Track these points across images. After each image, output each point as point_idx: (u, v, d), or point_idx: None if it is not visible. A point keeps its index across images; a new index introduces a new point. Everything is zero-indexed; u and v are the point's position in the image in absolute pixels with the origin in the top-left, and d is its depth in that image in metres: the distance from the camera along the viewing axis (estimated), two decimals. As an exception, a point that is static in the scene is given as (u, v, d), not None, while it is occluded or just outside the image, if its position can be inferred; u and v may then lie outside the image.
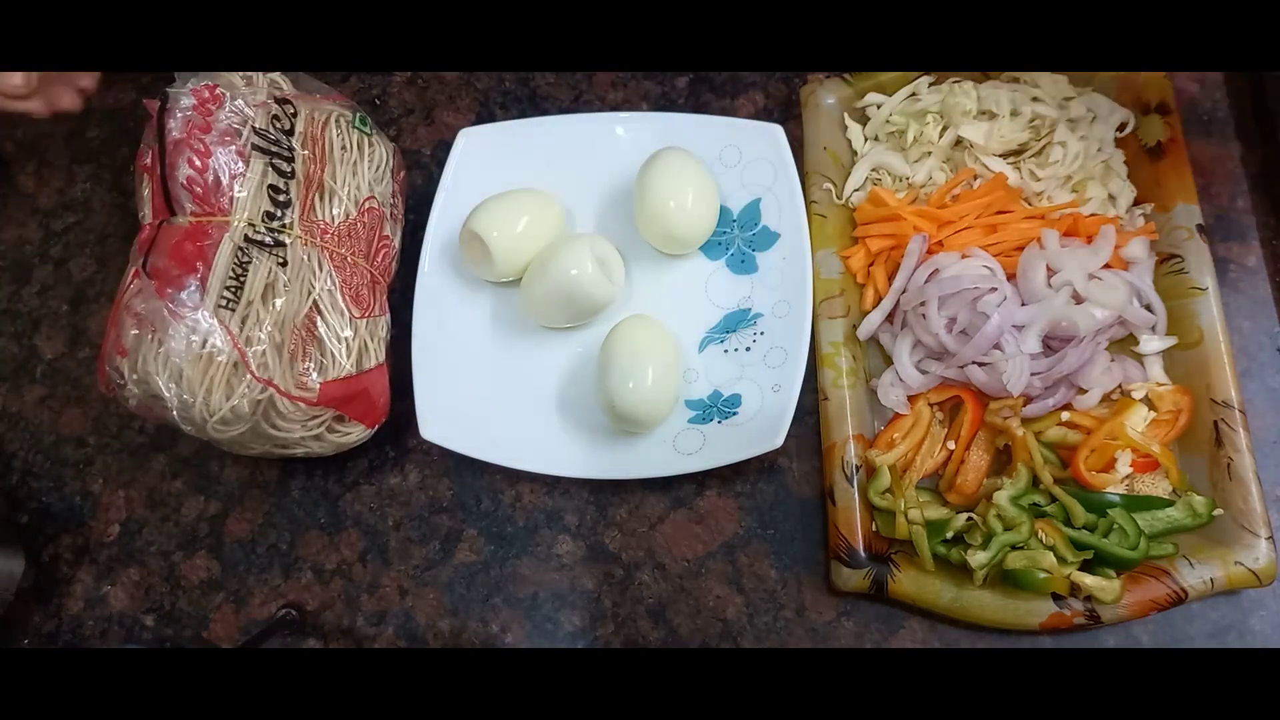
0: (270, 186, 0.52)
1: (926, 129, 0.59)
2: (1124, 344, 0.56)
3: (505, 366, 0.60)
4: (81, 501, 0.61)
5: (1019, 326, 0.53)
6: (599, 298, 0.57)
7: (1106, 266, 0.55)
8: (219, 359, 0.48)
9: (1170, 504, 0.51)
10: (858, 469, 0.54)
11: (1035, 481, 0.52)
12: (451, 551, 0.58)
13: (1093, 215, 0.56)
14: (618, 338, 0.55)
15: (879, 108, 0.62)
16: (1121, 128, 0.59)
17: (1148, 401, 0.53)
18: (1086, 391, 0.54)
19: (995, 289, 0.54)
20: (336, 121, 0.57)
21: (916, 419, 0.55)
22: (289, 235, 0.52)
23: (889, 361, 0.57)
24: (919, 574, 0.51)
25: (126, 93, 0.70)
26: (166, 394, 0.48)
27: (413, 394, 0.57)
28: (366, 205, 0.56)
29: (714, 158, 0.61)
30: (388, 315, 0.58)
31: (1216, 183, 0.61)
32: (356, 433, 0.55)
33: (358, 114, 0.58)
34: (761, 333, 0.58)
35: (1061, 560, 0.49)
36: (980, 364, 0.54)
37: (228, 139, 0.52)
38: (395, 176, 0.60)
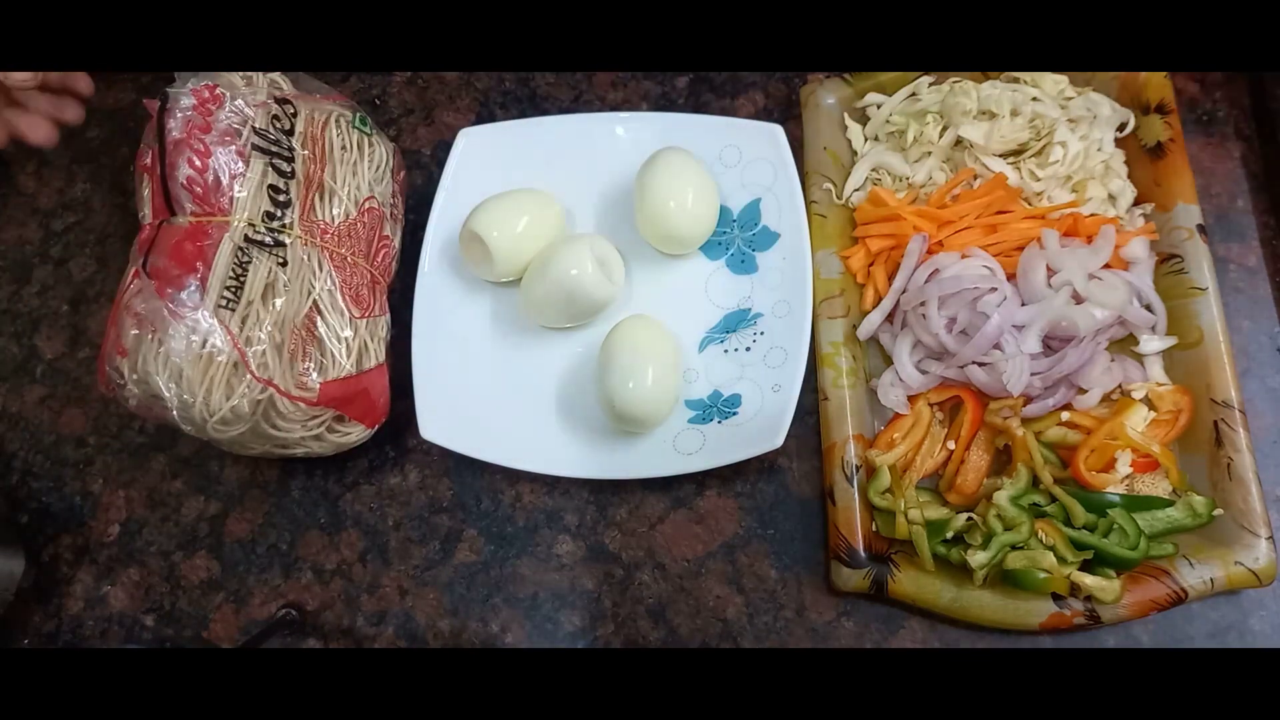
0: (270, 186, 0.52)
1: (926, 129, 0.59)
2: (1124, 344, 0.56)
3: (505, 366, 0.60)
4: (81, 501, 0.61)
5: (1019, 326, 0.53)
6: (599, 298, 0.57)
7: (1106, 266, 0.55)
8: (219, 359, 0.48)
9: (1170, 504, 0.51)
10: (858, 469, 0.54)
11: (1035, 481, 0.52)
12: (451, 551, 0.58)
13: (1093, 215, 0.56)
14: (618, 338, 0.55)
15: (879, 108, 0.62)
16: (1121, 128, 0.59)
17: (1148, 401, 0.53)
18: (1086, 391, 0.54)
19: (995, 289, 0.54)
20: (336, 121, 0.57)
21: (916, 419, 0.55)
22: (289, 235, 0.52)
23: (889, 361, 0.57)
24: (919, 574, 0.51)
25: (126, 93, 0.70)
26: (166, 394, 0.48)
27: (413, 394, 0.57)
28: (366, 205, 0.57)
29: (714, 158, 0.61)
30: (388, 315, 0.58)
31: (1216, 183, 0.61)
32: (356, 433, 0.55)
33: (358, 114, 0.58)
34: (761, 333, 0.58)
35: (1061, 560, 0.49)
36: (980, 364, 0.54)
37: (228, 139, 0.52)
38: (395, 176, 0.60)
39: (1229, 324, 0.54)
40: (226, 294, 0.49)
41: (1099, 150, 0.58)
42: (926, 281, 0.55)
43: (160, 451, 0.62)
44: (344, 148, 0.56)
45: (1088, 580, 0.49)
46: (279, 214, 0.52)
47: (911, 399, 0.56)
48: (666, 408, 0.55)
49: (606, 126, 0.63)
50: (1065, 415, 0.53)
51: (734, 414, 0.56)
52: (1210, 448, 0.52)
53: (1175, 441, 0.54)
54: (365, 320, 0.55)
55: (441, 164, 0.62)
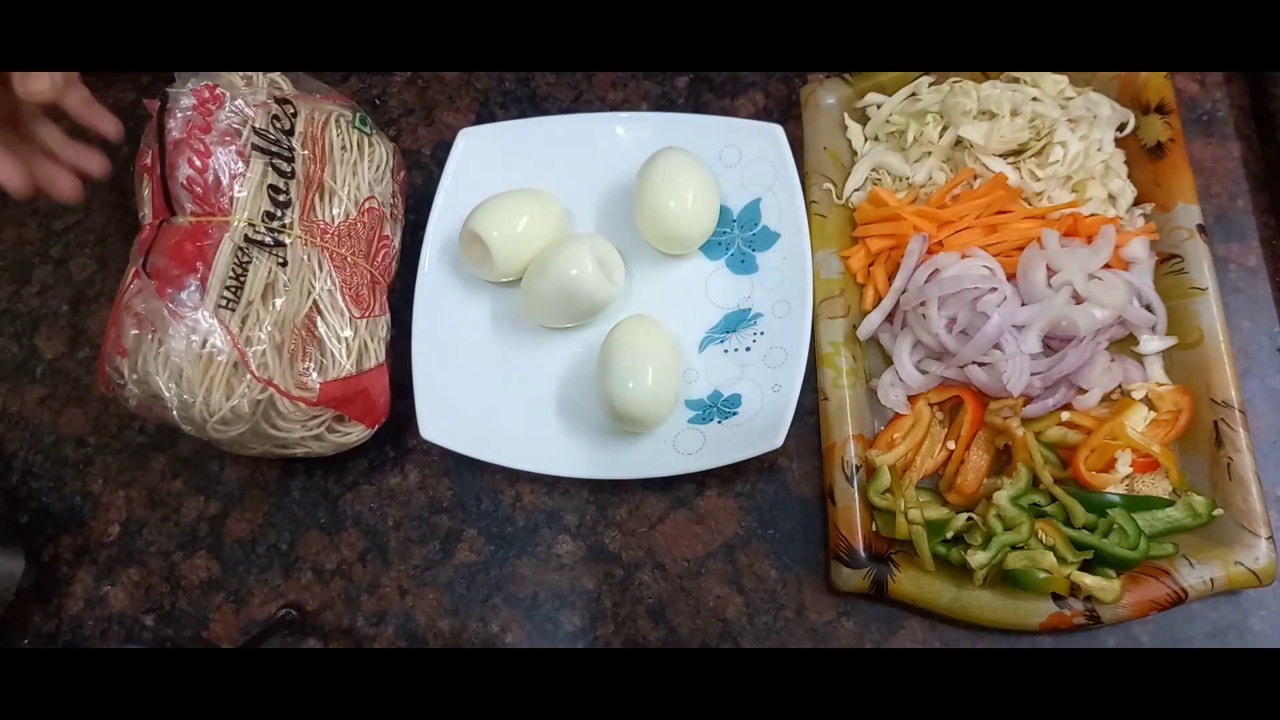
0: (270, 186, 0.52)
1: (926, 129, 0.59)
2: (1124, 344, 0.56)
3: (505, 366, 0.60)
4: (81, 501, 0.61)
5: (1019, 326, 0.53)
6: (599, 298, 0.57)
7: (1106, 266, 0.55)
8: (219, 359, 0.48)
9: (1170, 504, 0.51)
10: (858, 469, 0.54)
11: (1035, 481, 0.52)
12: (451, 551, 0.58)
13: (1093, 215, 0.56)
14: (618, 338, 0.55)
15: (879, 108, 0.62)
16: (1121, 128, 0.59)
17: (1148, 401, 0.53)
18: (1086, 391, 0.54)
19: (995, 289, 0.54)
20: (336, 121, 0.57)
21: (916, 419, 0.55)
22: (289, 235, 0.52)
23: (889, 361, 0.57)
24: (919, 574, 0.51)
25: (126, 93, 0.70)
26: (166, 394, 0.48)
27: (413, 394, 0.57)
28: (366, 205, 0.56)
29: (714, 158, 0.61)
30: (388, 315, 0.58)
31: (1216, 183, 0.61)
32: (356, 433, 0.55)
33: (358, 114, 0.58)
34: (761, 333, 0.58)
35: (1061, 560, 0.49)
36: (980, 364, 0.54)
37: (228, 139, 0.52)
38: (395, 176, 0.60)
39: (1229, 324, 0.54)
40: (226, 294, 0.49)
41: (1099, 150, 0.58)
42: (926, 281, 0.55)
43: (160, 451, 0.62)
44: (344, 148, 0.56)
45: (1088, 580, 0.49)
46: (279, 214, 0.52)
47: (911, 399, 0.56)
48: (666, 408, 0.55)
49: (606, 126, 0.63)
50: (1065, 415, 0.53)
51: (734, 414, 0.56)
52: (1210, 448, 0.52)
53: (1175, 441, 0.54)
54: (365, 320, 0.55)
55: (441, 164, 0.62)
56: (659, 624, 0.55)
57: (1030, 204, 0.58)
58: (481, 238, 0.57)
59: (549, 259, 0.57)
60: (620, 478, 0.57)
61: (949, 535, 0.51)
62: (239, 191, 0.51)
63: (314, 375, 0.51)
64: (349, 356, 0.53)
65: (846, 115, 0.62)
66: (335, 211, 0.55)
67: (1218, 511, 0.51)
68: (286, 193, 0.53)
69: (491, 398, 0.58)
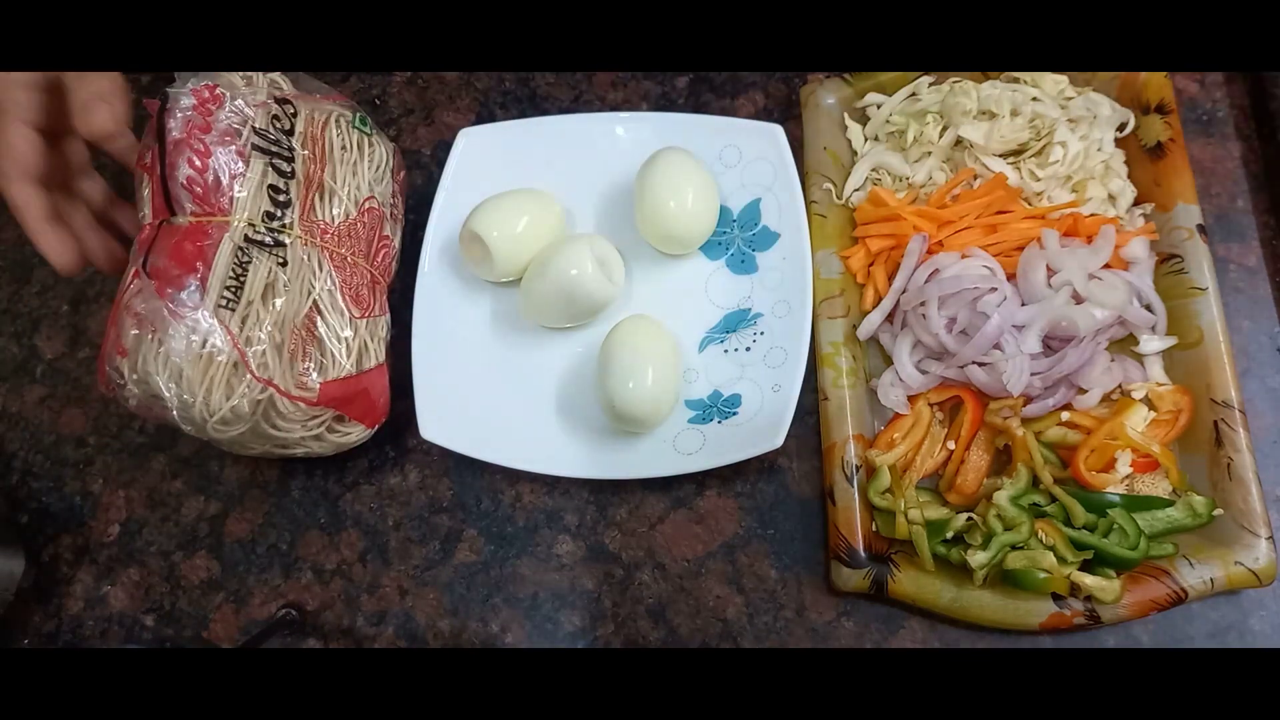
0: (270, 186, 0.52)
1: (926, 129, 0.59)
2: (1124, 344, 0.56)
3: (505, 366, 0.60)
4: (81, 501, 0.61)
5: (1019, 326, 0.53)
6: (599, 298, 0.57)
7: (1106, 266, 0.55)
8: (219, 359, 0.48)
9: (1170, 504, 0.51)
10: (858, 469, 0.54)
11: (1035, 481, 0.52)
12: (451, 551, 0.58)
13: (1093, 215, 0.56)
14: (618, 338, 0.55)
15: (879, 108, 0.62)
16: (1121, 128, 0.59)
17: (1148, 401, 0.53)
18: (1086, 391, 0.54)
19: (995, 289, 0.54)
20: (336, 121, 0.57)
21: (916, 419, 0.55)
22: (289, 235, 0.52)
23: (889, 361, 0.57)
24: (919, 574, 0.51)
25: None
26: (166, 394, 0.48)
27: (413, 394, 0.57)
28: (366, 205, 0.56)
29: (714, 158, 0.61)
30: (388, 315, 0.58)
31: (1216, 183, 0.61)
32: (356, 433, 0.55)
33: (358, 114, 0.58)
34: (761, 333, 0.58)
35: (1061, 560, 0.49)
36: (980, 364, 0.54)
37: (228, 139, 0.51)
38: (395, 176, 0.60)
39: (1229, 324, 0.54)
40: (226, 294, 0.49)
41: (1099, 150, 0.58)
42: (926, 281, 0.55)
43: (160, 451, 0.62)
44: (344, 148, 0.56)
45: (1088, 580, 0.49)
46: (279, 214, 0.52)
47: (911, 399, 0.56)
48: (666, 408, 0.55)
49: (606, 126, 0.63)
50: (1065, 415, 0.53)
51: (734, 414, 0.56)
52: (1210, 448, 0.52)
53: (1175, 441, 0.54)
54: (365, 320, 0.55)
55: (441, 164, 0.62)
56: (659, 624, 0.55)
57: (1030, 204, 0.58)
58: (481, 238, 0.57)
59: (549, 259, 0.57)
60: (620, 478, 0.57)
61: (949, 535, 0.51)
62: (239, 191, 0.51)
63: (314, 375, 0.51)
64: (349, 356, 0.53)
65: (846, 115, 0.62)
66: (335, 211, 0.55)
67: (1218, 511, 0.51)
68: (286, 193, 0.53)
69: (491, 398, 0.58)
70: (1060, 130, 0.57)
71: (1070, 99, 0.59)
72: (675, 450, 0.56)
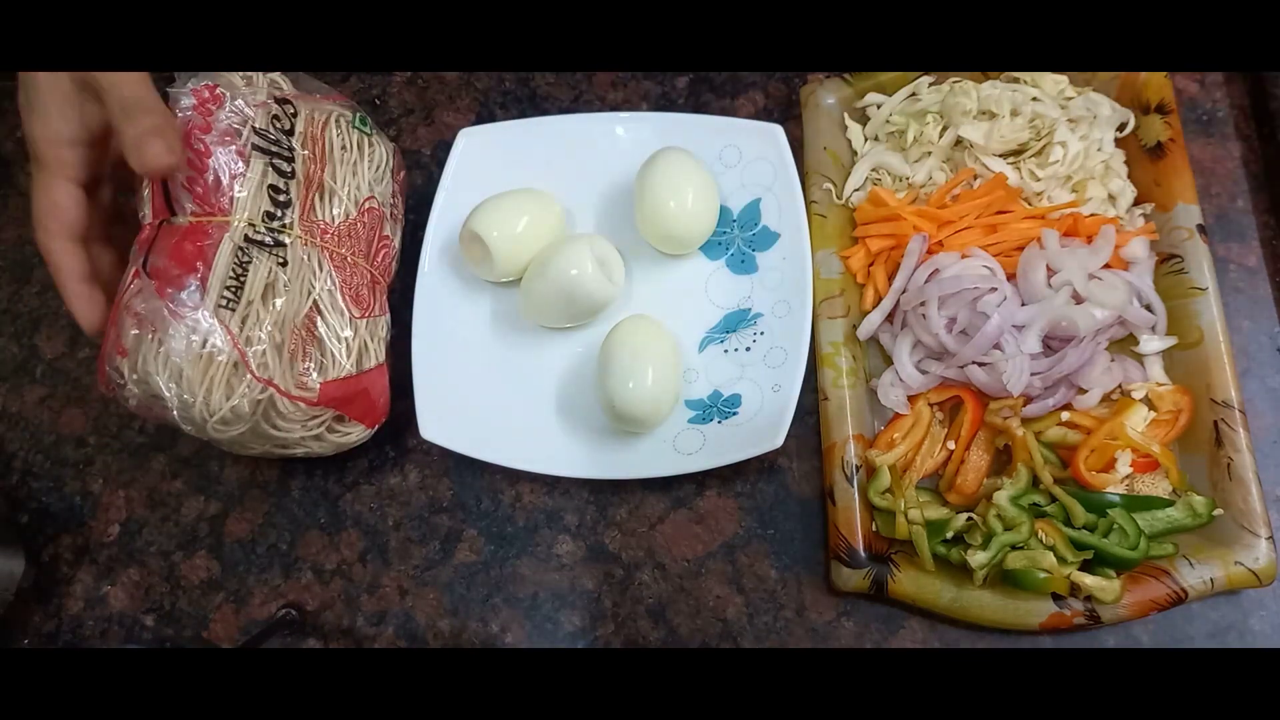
0: (270, 186, 0.52)
1: (926, 129, 0.59)
2: (1124, 344, 0.56)
3: (505, 366, 0.60)
4: (81, 501, 0.61)
5: (1019, 326, 0.53)
6: (599, 298, 0.57)
7: (1106, 266, 0.55)
8: (219, 359, 0.48)
9: (1170, 504, 0.51)
10: (858, 469, 0.54)
11: (1035, 481, 0.52)
12: (451, 551, 0.58)
13: (1093, 215, 0.56)
14: (618, 338, 0.55)
15: (879, 108, 0.62)
16: (1121, 128, 0.59)
17: (1148, 401, 0.53)
18: (1086, 391, 0.54)
19: (995, 289, 0.54)
20: (336, 121, 0.57)
21: (916, 419, 0.55)
22: (289, 235, 0.52)
23: (889, 361, 0.57)
24: (919, 574, 0.51)
25: (126, 93, 0.70)
26: (166, 394, 0.48)
27: (413, 394, 0.57)
28: (366, 205, 0.56)
29: (714, 158, 0.61)
30: (388, 315, 0.58)
31: (1216, 183, 0.61)
32: (356, 433, 0.55)
33: (358, 114, 0.58)
34: (761, 333, 0.58)
35: (1061, 560, 0.49)
36: (980, 364, 0.54)
37: (228, 139, 0.51)
38: (395, 176, 0.60)
39: (1229, 324, 0.54)
40: (226, 294, 0.49)
41: (1099, 150, 0.58)
42: (926, 281, 0.55)
43: (160, 451, 0.62)
44: (344, 148, 0.56)
45: (1088, 580, 0.49)
46: (279, 214, 0.52)
47: (911, 399, 0.56)
48: (666, 408, 0.55)
49: (606, 126, 0.63)
50: (1065, 415, 0.53)
51: (734, 414, 0.56)
52: (1210, 448, 0.52)
53: (1175, 441, 0.54)
54: (365, 320, 0.55)
55: (441, 164, 0.62)
56: (659, 624, 0.55)
57: (1030, 204, 0.58)
58: (481, 238, 0.57)
59: (549, 259, 0.57)
60: (620, 478, 0.57)
61: (949, 535, 0.51)
62: (239, 191, 0.51)
63: (314, 375, 0.51)
64: (349, 356, 0.53)
65: (846, 115, 0.62)
66: (335, 211, 0.55)
67: (1218, 511, 0.51)
68: (286, 193, 0.53)
69: (491, 398, 0.58)
70: (1060, 130, 0.57)
71: (1070, 99, 0.59)
72: (675, 450, 0.56)
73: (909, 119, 0.60)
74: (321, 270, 0.53)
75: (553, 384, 0.59)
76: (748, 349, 0.58)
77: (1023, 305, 0.54)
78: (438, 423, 0.56)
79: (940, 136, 0.59)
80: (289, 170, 0.53)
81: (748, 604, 0.55)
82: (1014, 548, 0.50)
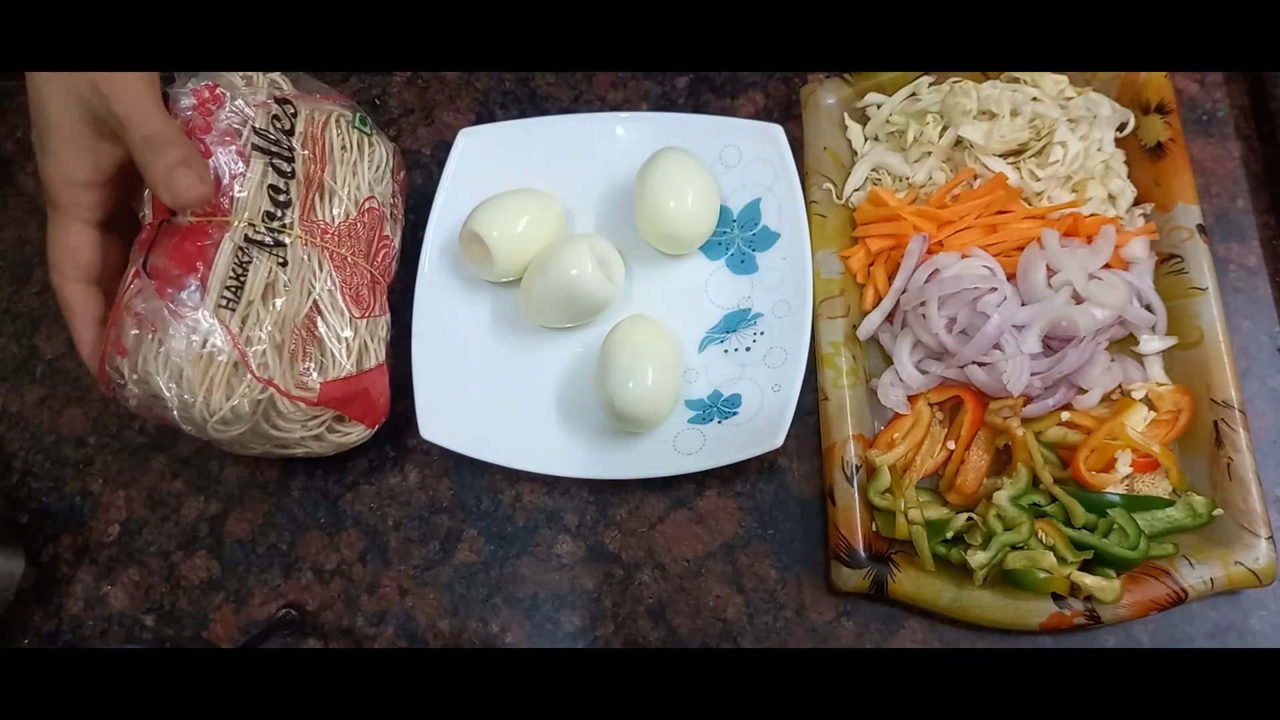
0: (270, 186, 0.52)
1: (926, 129, 0.59)
2: (1124, 344, 0.56)
3: (505, 366, 0.60)
4: (81, 501, 0.61)
5: (1019, 326, 0.53)
6: (599, 298, 0.57)
7: (1106, 266, 0.55)
8: (219, 359, 0.48)
9: (1170, 504, 0.51)
10: (858, 469, 0.54)
11: (1035, 481, 0.52)
12: (451, 551, 0.58)
13: (1093, 215, 0.56)
14: (618, 338, 0.55)
15: (879, 108, 0.62)
16: (1121, 128, 0.59)
17: (1148, 401, 0.53)
18: (1086, 391, 0.54)
19: (995, 289, 0.54)
20: (336, 121, 0.57)
21: (916, 419, 0.55)
22: (289, 235, 0.52)
23: (889, 361, 0.57)
24: (919, 574, 0.51)
25: (126, 93, 0.70)
26: (166, 394, 0.48)
27: (413, 394, 0.57)
28: (366, 205, 0.56)
29: (714, 158, 0.61)
30: (388, 315, 0.58)
31: (1216, 183, 0.61)
32: (356, 433, 0.55)
33: (358, 114, 0.58)
34: (761, 333, 0.58)
35: (1061, 560, 0.49)
36: (980, 364, 0.54)
37: (228, 139, 0.51)
38: (395, 176, 0.60)
39: (1229, 324, 0.54)
40: (226, 294, 0.49)
41: (1099, 150, 0.58)
42: (926, 281, 0.55)
43: (160, 451, 0.62)
44: (344, 148, 0.56)
45: (1088, 580, 0.49)
46: (279, 214, 0.52)
47: (911, 399, 0.56)
48: (666, 408, 0.55)
49: (606, 126, 0.63)
50: (1065, 415, 0.53)
51: (734, 414, 0.56)
52: (1210, 448, 0.52)
53: (1175, 441, 0.54)
54: (365, 320, 0.55)
55: (441, 164, 0.62)
56: (659, 624, 0.55)
57: (1030, 204, 0.58)
58: (481, 238, 0.57)
59: (549, 259, 0.57)
60: (620, 478, 0.57)
61: (949, 535, 0.51)
62: (239, 191, 0.51)
63: (314, 375, 0.51)
64: (349, 356, 0.53)
65: (846, 115, 0.62)
66: (335, 211, 0.55)
67: (1218, 511, 0.51)
68: (286, 193, 0.53)
69: (491, 398, 0.58)
70: (1060, 130, 0.57)
71: (1070, 99, 0.59)
72: (675, 450, 0.56)
73: (909, 119, 0.60)
74: (321, 270, 0.53)
75: (553, 384, 0.59)
76: (748, 349, 0.58)
77: (1023, 305, 0.54)
78: (438, 423, 0.56)
79: (940, 136, 0.59)
80: (289, 170, 0.53)
81: (748, 604, 0.55)
82: (1014, 548, 0.50)
